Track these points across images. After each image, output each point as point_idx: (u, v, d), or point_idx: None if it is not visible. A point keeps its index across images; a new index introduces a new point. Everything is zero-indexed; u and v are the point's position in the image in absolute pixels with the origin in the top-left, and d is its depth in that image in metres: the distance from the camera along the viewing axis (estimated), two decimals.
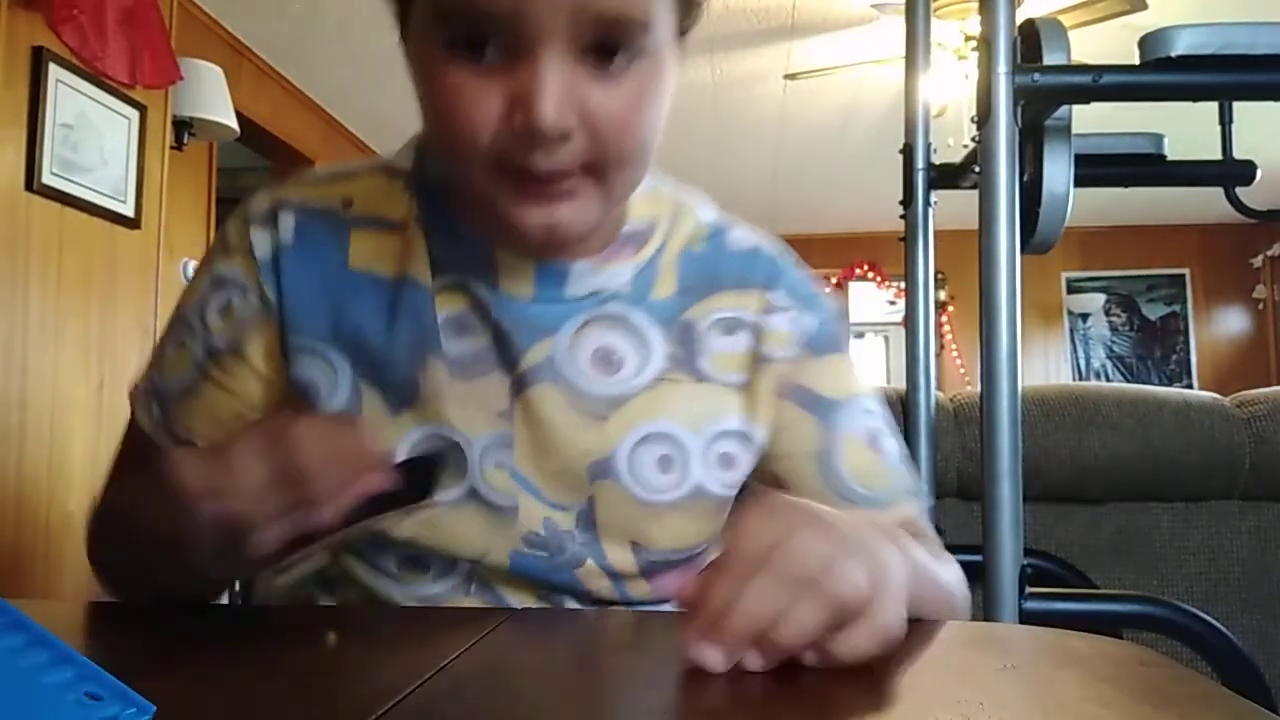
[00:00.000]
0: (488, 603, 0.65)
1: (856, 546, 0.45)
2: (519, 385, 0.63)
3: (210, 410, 0.65)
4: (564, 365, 0.63)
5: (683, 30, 0.60)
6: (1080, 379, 6.83)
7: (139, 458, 0.68)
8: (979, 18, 1.14)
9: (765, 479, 0.69)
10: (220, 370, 0.65)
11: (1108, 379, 6.83)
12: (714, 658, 0.42)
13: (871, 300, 7.65)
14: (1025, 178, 1.26)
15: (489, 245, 0.63)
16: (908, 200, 1.53)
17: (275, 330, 0.63)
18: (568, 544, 0.63)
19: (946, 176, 1.52)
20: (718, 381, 0.66)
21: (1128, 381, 6.70)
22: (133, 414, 0.69)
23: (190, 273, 3.44)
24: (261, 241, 0.63)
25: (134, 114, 2.47)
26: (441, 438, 0.58)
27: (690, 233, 0.70)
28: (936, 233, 1.55)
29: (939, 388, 1.60)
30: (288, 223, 0.63)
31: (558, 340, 0.63)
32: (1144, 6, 3.10)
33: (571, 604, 0.66)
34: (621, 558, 0.64)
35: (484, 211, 0.58)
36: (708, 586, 0.44)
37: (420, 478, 0.52)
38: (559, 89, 0.51)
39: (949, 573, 0.65)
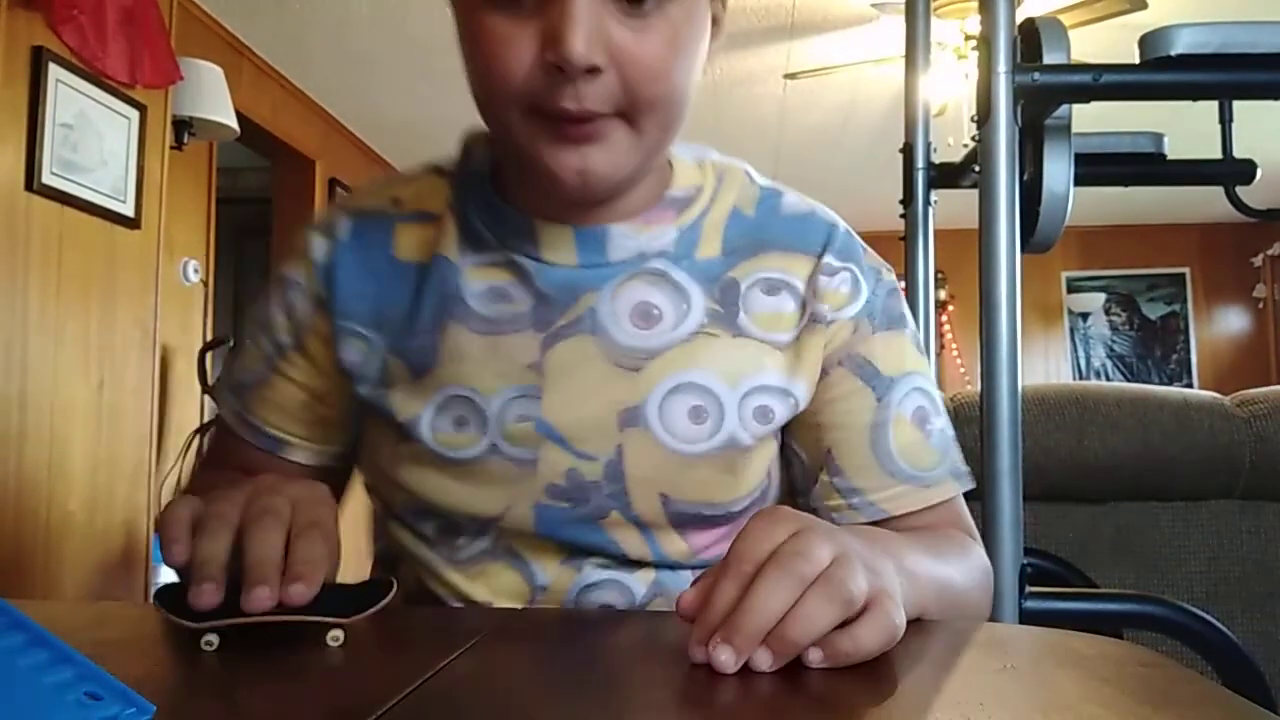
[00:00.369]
0: (514, 568, 0.66)
1: (855, 552, 0.45)
2: (552, 339, 0.64)
3: (279, 400, 0.71)
4: (604, 318, 0.64)
5: None
6: (1080, 378, 6.83)
7: (220, 449, 0.75)
8: (979, 17, 1.14)
9: (810, 440, 0.69)
10: (287, 364, 0.70)
11: (1108, 378, 6.83)
12: (725, 657, 0.42)
13: None
14: (1025, 177, 1.26)
15: (530, 220, 0.65)
16: (908, 200, 1.53)
17: (327, 322, 0.68)
18: (592, 494, 0.64)
19: (946, 176, 1.52)
20: (758, 338, 0.66)
21: (1128, 381, 6.71)
22: (217, 408, 0.75)
23: (191, 273, 3.45)
24: (319, 246, 0.68)
25: (134, 114, 2.47)
26: (379, 580, 0.54)
27: (739, 196, 0.69)
28: (936, 232, 1.55)
29: (939, 388, 1.60)
30: (344, 226, 0.69)
31: (600, 295, 0.64)
32: (1144, 6, 3.10)
33: (600, 572, 0.66)
34: (649, 508, 0.64)
35: (522, 164, 0.60)
36: (711, 589, 0.44)
37: (350, 599, 0.50)
38: (587, 24, 0.53)
39: (960, 570, 0.64)
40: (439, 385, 0.64)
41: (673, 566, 0.67)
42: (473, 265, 0.65)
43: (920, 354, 0.71)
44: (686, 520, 0.65)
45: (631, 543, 0.65)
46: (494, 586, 0.66)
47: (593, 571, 0.66)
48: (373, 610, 0.49)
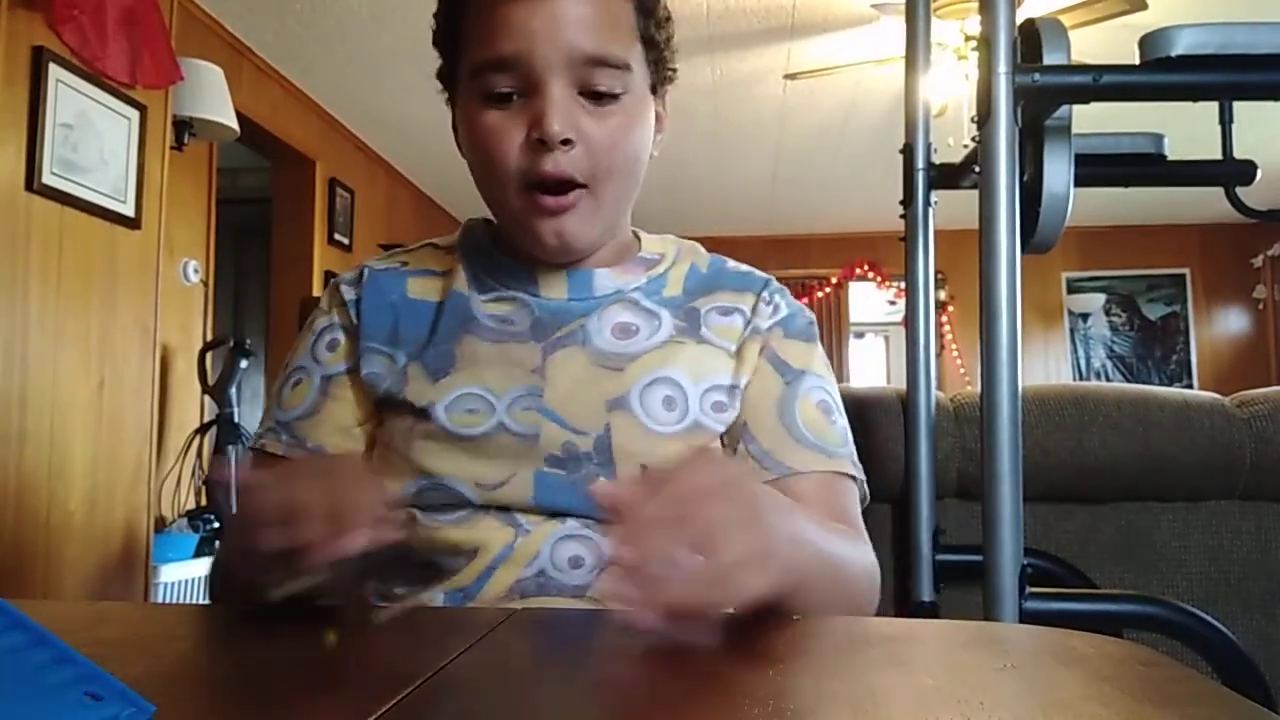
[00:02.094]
0: (505, 524, 0.74)
1: (755, 515, 0.53)
2: (550, 349, 0.78)
3: (337, 421, 0.81)
4: (592, 334, 0.79)
5: (654, 87, 0.80)
6: (1080, 379, 6.84)
7: None
8: (979, 17, 1.14)
9: (732, 426, 0.80)
10: (340, 388, 0.81)
11: (1108, 379, 6.83)
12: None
13: (871, 300, 7.65)
14: (1025, 178, 1.25)
15: (530, 267, 0.81)
16: (908, 200, 1.53)
17: (356, 346, 0.81)
18: (584, 464, 0.75)
19: (946, 176, 1.52)
20: (715, 345, 0.81)
21: (1128, 381, 6.71)
22: (255, 459, 0.83)
23: (191, 273, 3.45)
24: (349, 291, 0.84)
25: (134, 114, 2.47)
26: (459, 550, 0.69)
27: (693, 260, 0.88)
28: (936, 233, 1.55)
29: (939, 388, 1.60)
30: (367, 274, 0.84)
31: (587, 320, 0.79)
32: (1144, 6, 3.10)
33: (580, 528, 0.74)
34: (632, 477, 0.74)
35: (515, 230, 0.78)
36: (631, 507, 0.51)
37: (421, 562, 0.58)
38: (562, 110, 0.71)
39: (849, 553, 0.72)
40: (455, 386, 0.76)
41: None
42: (481, 301, 0.81)
43: (830, 371, 0.86)
44: None
45: None
46: (482, 532, 0.74)
47: (573, 525, 0.75)
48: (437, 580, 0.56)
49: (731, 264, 0.89)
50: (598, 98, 0.73)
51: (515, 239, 0.81)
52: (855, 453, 0.83)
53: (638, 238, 0.89)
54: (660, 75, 0.81)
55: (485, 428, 0.74)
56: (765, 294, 0.85)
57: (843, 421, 0.83)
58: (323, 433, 0.80)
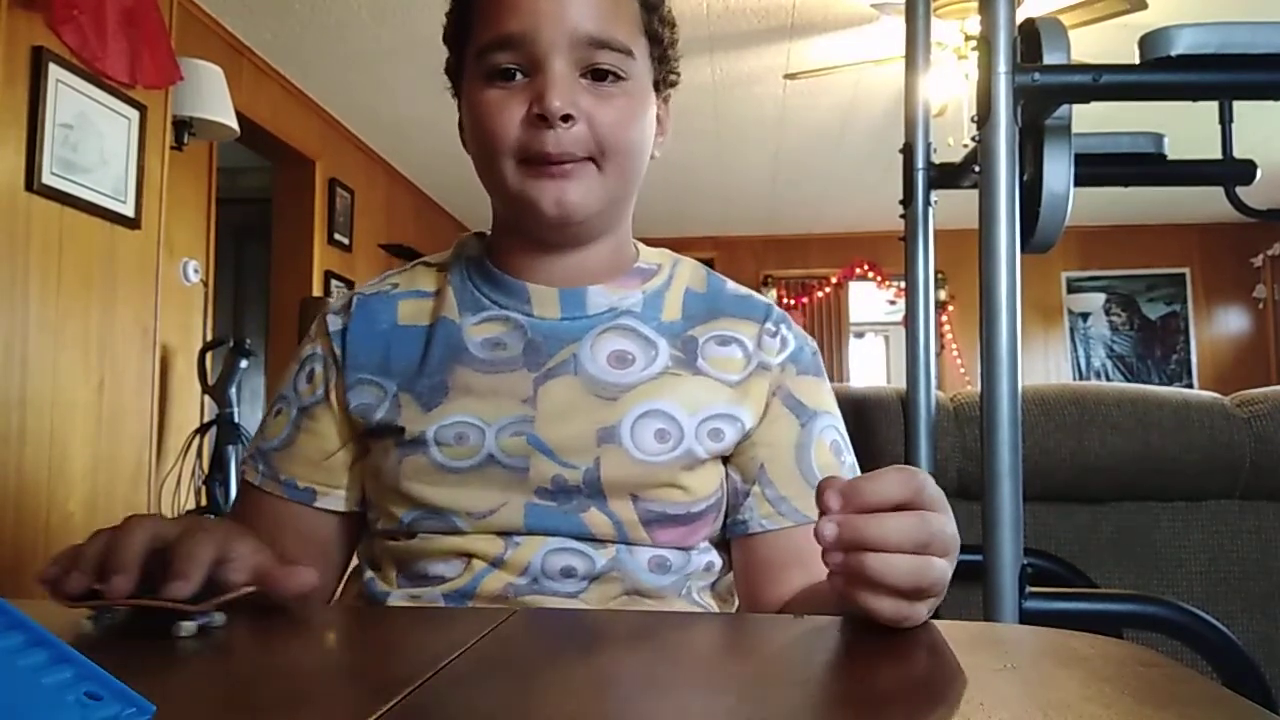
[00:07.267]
0: (497, 537, 0.75)
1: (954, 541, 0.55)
2: (543, 378, 0.77)
3: (307, 455, 0.82)
4: (585, 362, 0.78)
5: (656, 84, 0.81)
6: (1080, 378, 6.84)
7: (243, 516, 0.83)
8: (979, 17, 1.14)
9: (745, 461, 0.81)
10: (312, 420, 0.82)
11: (1108, 378, 6.83)
12: (829, 530, 0.51)
13: (871, 300, 7.65)
14: (1025, 177, 1.26)
15: (524, 285, 0.81)
16: (908, 200, 1.53)
17: (342, 377, 0.81)
18: (575, 495, 0.75)
19: (946, 176, 1.52)
20: (713, 377, 0.80)
21: (1128, 381, 6.71)
22: (240, 485, 0.85)
23: (191, 273, 3.45)
24: (335, 321, 0.84)
25: (134, 114, 2.47)
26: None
27: (691, 278, 0.87)
28: (936, 232, 1.55)
29: (939, 388, 1.60)
30: (355, 303, 0.84)
31: (581, 345, 0.79)
32: (1144, 6, 3.10)
33: (570, 541, 0.75)
34: (622, 507, 0.75)
35: (514, 206, 0.77)
36: (854, 487, 0.53)
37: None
38: (564, 88, 0.72)
39: None
40: (446, 414, 0.76)
41: (639, 545, 0.77)
42: (472, 323, 0.80)
43: (834, 400, 0.86)
44: (653, 518, 0.76)
45: (605, 532, 0.75)
46: (473, 543, 0.75)
47: (564, 539, 0.75)
48: (218, 600, 0.53)
49: (731, 286, 0.88)
50: (600, 78, 0.74)
51: (514, 216, 0.80)
52: None
53: (637, 250, 0.88)
54: (663, 74, 0.81)
55: (475, 460, 0.75)
56: (769, 324, 0.84)
57: (851, 459, 0.85)
58: (292, 465, 0.82)
